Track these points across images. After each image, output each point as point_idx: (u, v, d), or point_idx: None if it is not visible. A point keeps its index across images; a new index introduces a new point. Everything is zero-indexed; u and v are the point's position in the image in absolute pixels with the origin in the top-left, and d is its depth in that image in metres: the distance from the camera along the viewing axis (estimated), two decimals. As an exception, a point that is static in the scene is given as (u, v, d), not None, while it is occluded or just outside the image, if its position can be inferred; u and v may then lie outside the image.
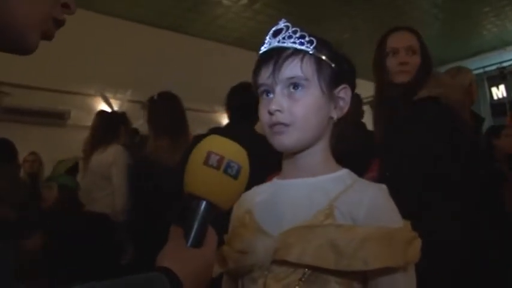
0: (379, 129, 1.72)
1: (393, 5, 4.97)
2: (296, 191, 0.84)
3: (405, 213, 0.80)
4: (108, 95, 3.94)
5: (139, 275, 0.56)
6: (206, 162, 0.63)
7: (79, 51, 4.21)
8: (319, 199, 0.80)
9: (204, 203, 0.64)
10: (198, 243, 0.64)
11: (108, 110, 3.15)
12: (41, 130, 4.15)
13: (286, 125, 0.80)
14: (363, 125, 2.41)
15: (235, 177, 0.64)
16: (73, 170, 3.34)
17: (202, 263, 0.63)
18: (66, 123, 4.43)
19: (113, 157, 2.65)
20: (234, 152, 0.66)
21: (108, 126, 2.80)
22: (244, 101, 1.99)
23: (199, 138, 2.58)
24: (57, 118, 4.44)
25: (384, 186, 0.83)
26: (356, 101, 2.77)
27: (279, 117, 0.80)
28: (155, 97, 2.49)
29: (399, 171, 1.56)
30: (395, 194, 0.81)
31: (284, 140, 0.81)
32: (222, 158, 0.64)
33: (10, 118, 4.08)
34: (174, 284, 0.57)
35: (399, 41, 1.73)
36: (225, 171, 0.64)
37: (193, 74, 5.20)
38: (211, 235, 0.66)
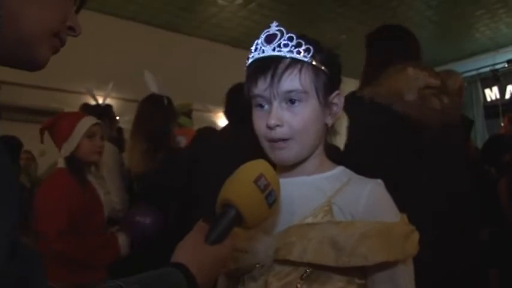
0: None
1: (388, 6, 4.99)
2: (293, 189, 0.83)
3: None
4: (101, 93, 3.92)
5: (156, 271, 0.62)
6: (256, 182, 0.70)
7: (72, 49, 4.17)
8: (316, 196, 0.81)
9: (235, 213, 0.69)
10: (217, 243, 0.69)
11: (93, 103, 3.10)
12: (33, 128, 4.12)
13: (286, 139, 0.79)
14: None
15: (270, 206, 0.71)
16: None
17: (215, 258, 0.68)
18: (60, 122, 4.40)
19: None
20: (277, 184, 0.73)
21: None
22: (242, 105, 2.03)
23: (202, 131, 2.50)
24: (49, 116, 4.40)
25: (380, 181, 0.83)
26: None
27: (279, 132, 0.79)
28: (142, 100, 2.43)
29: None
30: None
31: (284, 155, 0.81)
32: (268, 185, 0.70)
33: (2, 116, 4.05)
34: (189, 279, 0.62)
35: None
36: (266, 197, 0.70)
37: (187, 73, 5.18)
38: (229, 239, 0.70)
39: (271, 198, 0.70)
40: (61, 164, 1.84)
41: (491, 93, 6.33)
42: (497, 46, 6.20)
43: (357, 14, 5.11)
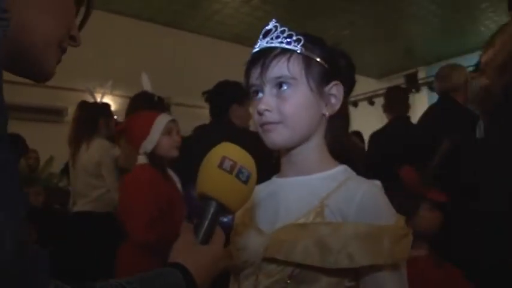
0: None
1: (391, 1, 4.96)
2: (290, 190, 0.85)
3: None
4: (105, 91, 3.92)
5: (154, 271, 0.62)
6: (220, 166, 0.68)
7: (77, 47, 4.21)
8: (310, 198, 0.81)
9: (214, 203, 0.68)
10: (206, 240, 0.69)
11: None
12: (39, 127, 4.15)
13: (275, 123, 0.81)
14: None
15: (245, 182, 0.70)
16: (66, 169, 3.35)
17: (211, 258, 0.68)
18: (64, 120, 4.42)
19: (99, 156, 2.62)
20: (245, 159, 0.71)
21: (88, 117, 2.76)
22: (216, 103, 2.28)
23: (198, 129, 2.57)
24: (55, 115, 4.44)
25: (377, 183, 0.83)
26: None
27: (268, 116, 0.81)
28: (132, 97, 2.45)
29: None
30: None
31: (274, 138, 0.82)
32: (235, 164, 0.69)
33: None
34: (187, 278, 0.63)
35: None
36: (237, 176, 0.69)
37: (190, 70, 5.18)
38: (219, 233, 0.71)
39: (243, 175, 0.69)
40: (141, 160, 1.91)
41: (496, 88, 6.29)
42: (501, 40, 6.16)
43: (360, 8, 5.09)
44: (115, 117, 3.10)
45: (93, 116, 2.78)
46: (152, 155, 1.90)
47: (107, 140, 2.75)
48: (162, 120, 1.92)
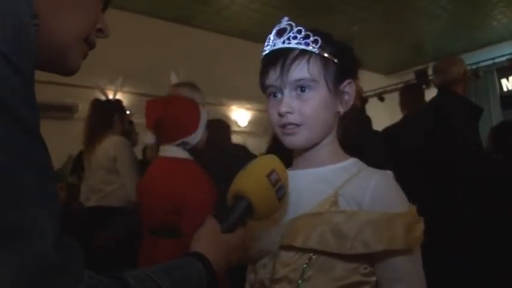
0: None
1: (401, -4, 4.91)
2: (303, 181, 0.87)
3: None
4: (113, 87, 3.95)
5: (175, 261, 0.65)
6: (268, 176, 0.74)
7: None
8: (323, 188, 0.84)
9: (246, 204, 0.72)
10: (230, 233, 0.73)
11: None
12: (49, 123, 4.17)
13: (296, 125, 0.84)
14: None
15: (279, 200, 0.76)
16: (75, 165, 3.38)
17: (229, 246, 0.74)
18: (74, 117, 4.45)
19: (114, 151, 2.63)
20: (286, 179, 0.77)
21: (102, 115, 2.78)
22: None
23: (213, 122, 2.61)
24: (65, 111, 4.47)
25: (389, 173, 0.86)
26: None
27: (290, 118, 0.83)
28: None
29: None
30: None
31: (295, 140, 0.85)
32: (279, 179, 0.75)
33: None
34: (206, 266, 0.67)
35: None
36: (276, 191, 0.75)
37: (199, 66, 5.19)
38: (240, 229, 0.78)
39: (280, 192, 0.75)
40: (177, 153, 1.74)
41: (508, 83, 6.20)
42: (514, 35, 6.07)
43: (369, 3, 5.05)
44: (127, 112, 3.13)
45: (107, 113, 2.80)
46: (193, 150, 1.77)
47: (122, 136, 2.77)
48: (204, 114, 1.83)
